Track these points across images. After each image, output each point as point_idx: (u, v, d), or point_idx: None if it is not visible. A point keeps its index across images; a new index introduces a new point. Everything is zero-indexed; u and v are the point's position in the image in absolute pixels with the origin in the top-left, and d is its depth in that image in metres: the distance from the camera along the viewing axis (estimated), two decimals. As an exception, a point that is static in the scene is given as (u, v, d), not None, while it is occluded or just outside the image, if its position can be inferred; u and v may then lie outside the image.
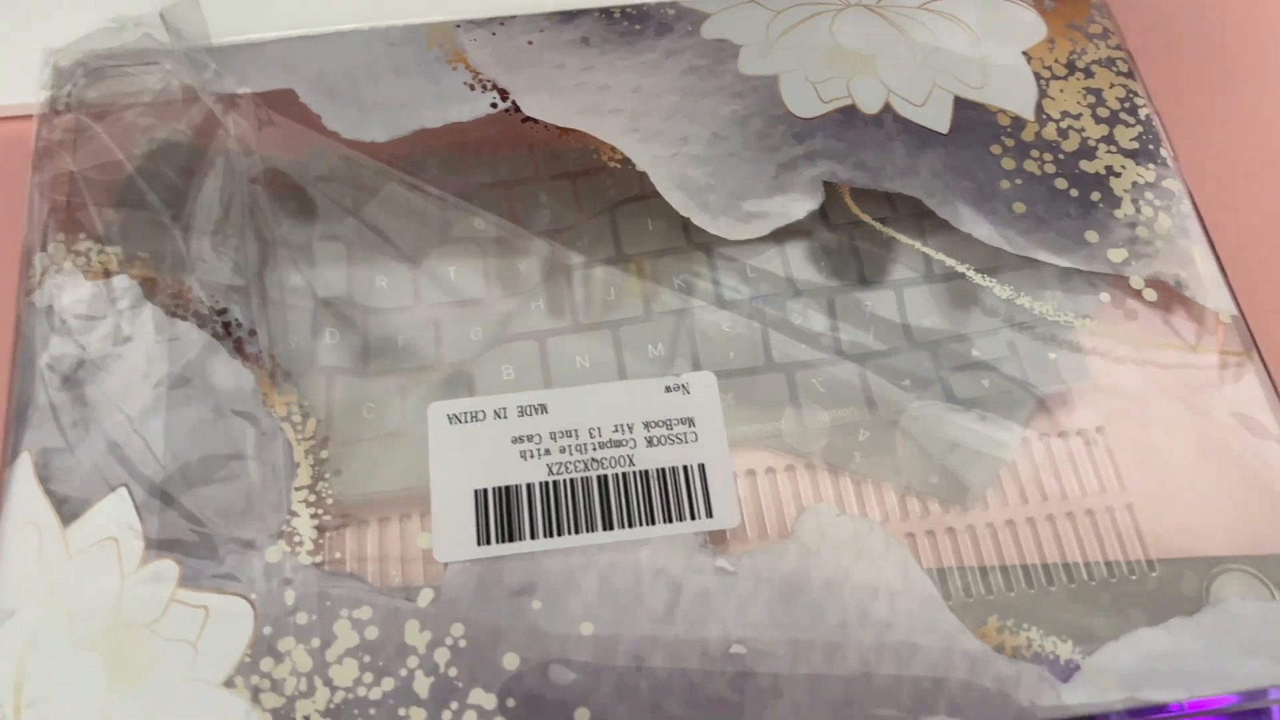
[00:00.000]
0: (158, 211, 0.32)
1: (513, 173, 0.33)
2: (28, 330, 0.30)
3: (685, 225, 0.32)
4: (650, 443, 0.29)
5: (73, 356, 0.29)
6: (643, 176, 0.33)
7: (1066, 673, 0.26)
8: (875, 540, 0.28)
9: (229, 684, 0.26)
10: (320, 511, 0.28)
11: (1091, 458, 0.30)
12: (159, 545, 0.27)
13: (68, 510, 0.27)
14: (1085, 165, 0.33)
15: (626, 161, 0.33)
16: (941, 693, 0.26)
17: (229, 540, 0.27)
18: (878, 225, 0.32)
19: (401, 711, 0.25)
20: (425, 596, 0.27)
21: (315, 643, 0.26)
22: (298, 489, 0.28)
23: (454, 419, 0.29)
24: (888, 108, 0.34)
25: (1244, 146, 0.35)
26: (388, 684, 0.26)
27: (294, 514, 0.28)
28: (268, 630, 0.26)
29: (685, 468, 0.28)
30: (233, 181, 0.32)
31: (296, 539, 0.27)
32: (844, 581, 0.27)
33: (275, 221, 0.32)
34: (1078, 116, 0.34)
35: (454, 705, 0.26)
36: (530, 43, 0.35)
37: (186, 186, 0.32)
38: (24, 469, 0.28)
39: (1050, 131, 0.34)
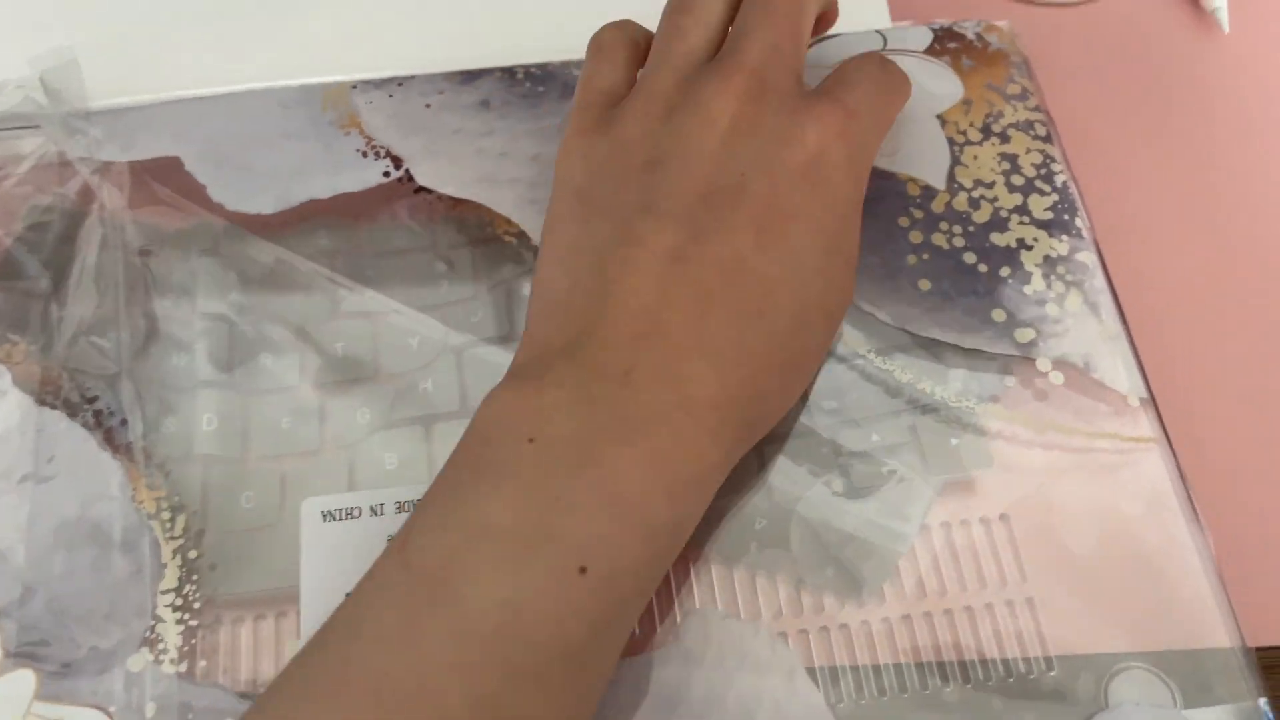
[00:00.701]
0: (34, 288, 0.30)
1: (406, 243, 0.32)
2: (-108, 417, 0.29)
3: (581, 303, 0.31)
4: (534, 539, 0.28)
5: (-64, 448, 0.28)
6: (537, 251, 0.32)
7: (954, 784, 0.26)
8: (760, 643, 0.27)
9: (84, 803, 0.25)
10: (187, 616, 0.27)
11: (993, 547, 0.29)
12: (16, 655, 0.26)
13: (-77, 615, 0.26)
14: (996, 237, 0.32)
15: (523, 235, 0.32)
16: (825, 806, 0.25)
17: (90, 649, 0.26)
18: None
19: (263, 832, 0.25)
20: (293, 707, 0.26)
21: (176, 758, 0.25)
22: (164, 592, 0.27)
23: (328, 516, 0.28)
24: (795, 176, 0.33)
25: (1165, 216, 0.34)
26: (250, 802, 0.25)
27: (159, 619, 0.27)
28: (126, 745, 0.25)
29: (568, 566, 0.28)
30: (109, 256, 0.31)
31: (160, 646, 0.26)
32: (727, 687, 0.26)
33: (156, 298, 0.31)
34: (991, 185, 0.33)
35: (317, 825, 0.25)
36: (428, 105, 0.34)
37: (65, 261, 0.31)
38: (-120, 570, 0.27)
39: (961, 201, 0.33)
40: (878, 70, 0.29)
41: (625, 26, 0.30)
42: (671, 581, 0.28)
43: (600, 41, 0.30)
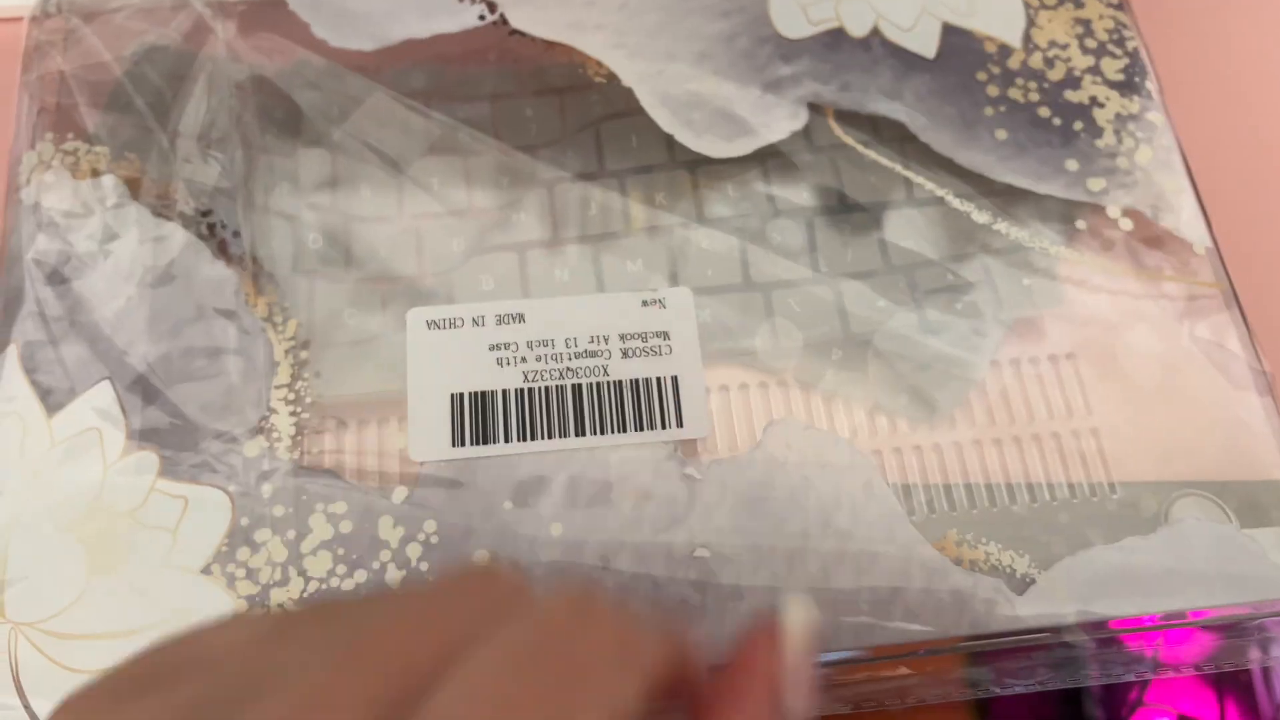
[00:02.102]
0: (145, 115, 0.32)
1: (498, 87, 0.33)
2: (15, 227, 0.30)
3: (669, 143, 0.32)
4: (625, 354, 0.29)
5: (59, 253, 0.30)
6: (628, 93, 0.33)
7: (1022, 586, 0.27)
8: (841, 453, 0.28)
9: (206, 571, 0.26)
10: (299, 410, 0.28)
11: (1060, 382, 0.30)
12: (140, 436, 0.28)
13: (52, 401, 0.28)
14: (1070, 95, 0.33)
15: (612, 77, 0.33)
16: (898, 601, 0.27)
17: (209, 434, 0.28)
18: (860, 148, 0.32)
19: (373, 602, 0.26)
20: (399, 494, 0.27)
21: (291, 535, 0.27)
22: (277, 387, 0.29)
23: (432, 325, 0.29)
24: (875, 31, 0.34)
25: (1230, 83, 0.35)
26: (360, 576, 0.27)
27: (273, 411, 0.28)
28: (245, 521, 0.27)
29: (659, 379, 0.29)
30: (220, 88, 0.32)
31: (275, 435, 0.28)
32: (808, 492, 0.28)
33: (261, 129, 0.32)
34: (1065, 46, 0.34)
35: (424, 598, 0.26)
36: (521, -45, 0.35)
37: (174, 91, 0.32)
38: (10, 360, 0.29)
39: (1036, 60, 0.34)
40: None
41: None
42: (754, 399, 0.29)
43: None
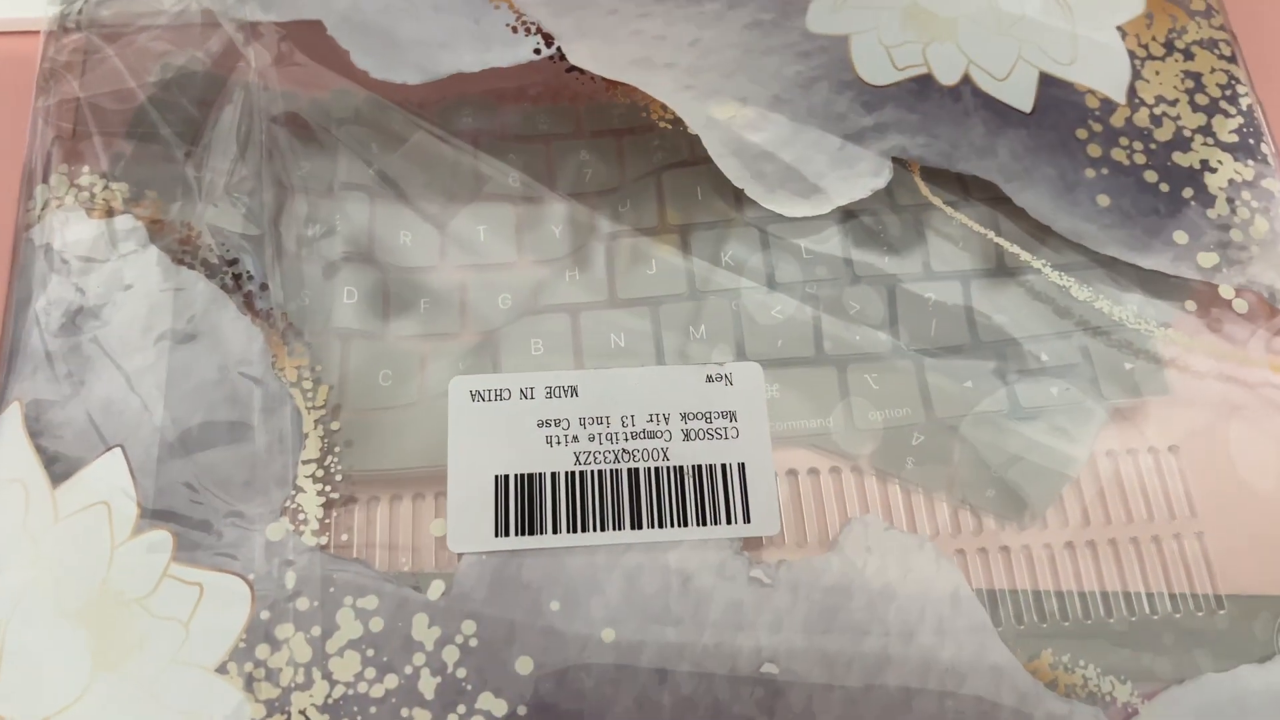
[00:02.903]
0: (169, 146, 0.29)
1: (553, 127, 0.31)
2: (25, 268, 0.28)
3: (738, 196, 0.29)
4: (687, 436, 0.27)
5: (70, 301, 0.27)
6: (694, 140, 0.30)
7: (1123, 716, 0.24)
8: (926, 558, 0.26)
9: (221, 670, 0.24)
10: (328, 488, 0.26)
11: (1162, 479, 0.27)
12: (154, 514, 0.25)
13: (58, 469, 0.26)
14: (1178, 157, 0.30)
15: (678, 122, 0.30)
16: (986, 729, 0.24)
17: (229, 514, 0.25)
18: (948, 209, 0.30)
19: (405, 712, 0.24)
20: (436, 588, 0.25)
21: (316, 631, 0.24)
22: (305, 462, 0.26)
23: (477, 396, 0.27)
24: (967, 79, 0.31)
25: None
26: (391, 681, 0.24)
27: (299, 489, 0.26)
28: (265, 615, 0.24)
29: (724, 466, 0.26)
30: (250, 118, 0.29)
31: (301, 517, 0.25)
32: (889, 601, 0.25)
33: (294, 166, 0.29)
34: (1174, 103, 0.31)
35: (461, 709, 0.24)
36: (581, -16, 0.32)
37: (201, 120, 0.30)
38: (12, 420, 0.26)
39: (1142, 117, 0.31)
40: None
41: None
42: (826, 488, 0.27)
43: None
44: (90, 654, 0.24)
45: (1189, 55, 0.32)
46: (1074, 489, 0.27)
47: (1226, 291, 0.29)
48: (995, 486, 0.27)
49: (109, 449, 0.26)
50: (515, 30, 0.31)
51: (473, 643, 0.24)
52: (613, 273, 0.29)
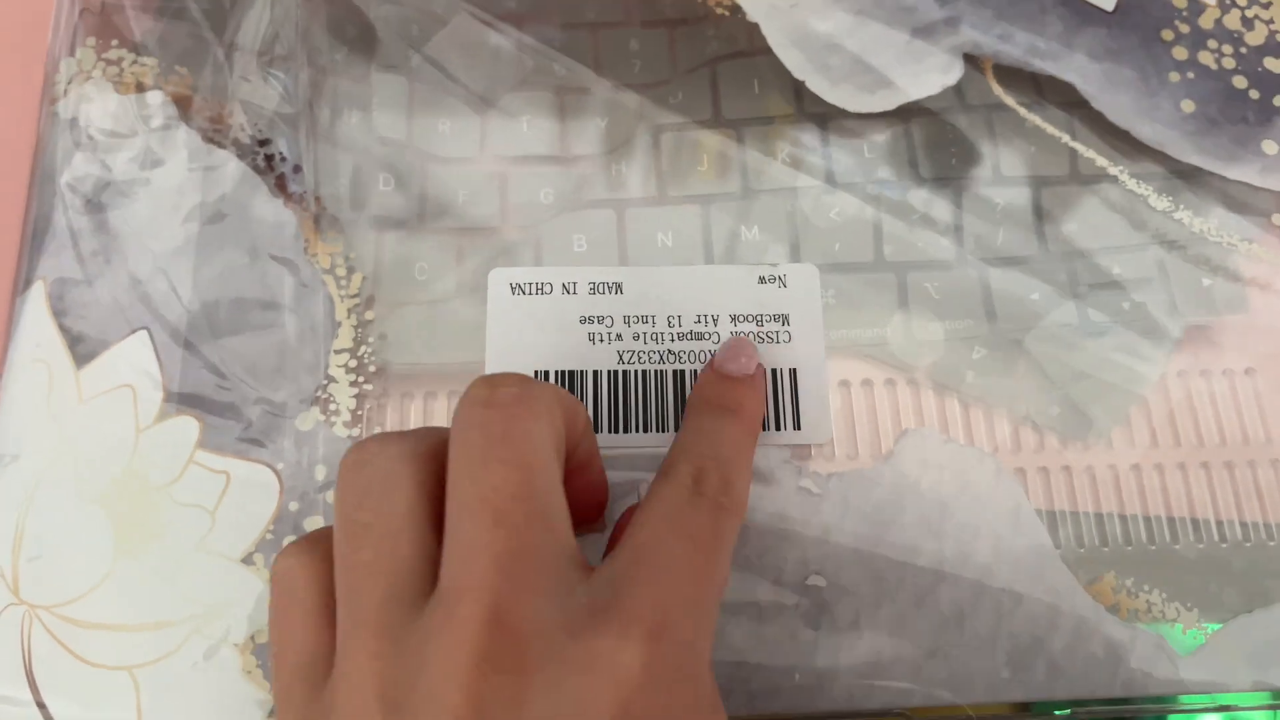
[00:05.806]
0: (200, 22, 0.28)
1: (601, 14, 0.29)
2: (49, 143, 0.27)
3: (798, 90, 0.28)
4: (737, 338, 0.25)
5: (97, 177, 0.26)
6: (753, 29, 0.28)
7: (1188, 645, 0.23)
8: (986, 473, 0.24)
9: (247, 561, 0.23)
10: (361, 379, 0.25)
11: (1237, 403, 0.26)
12: (179, 399, 0.24)
13: (82, 350, 0.25)
14: (1270, 63, 0.28)
15: (736, 9, 0.28)
16: (1041, 652, 0.23)
17: (257, 401, 0.24)
18: (1021, 111, 0.28)
19: (435, 610, 0.23)
20: (470, 486, 0.24)
21: (345, 525, 0.23)
22: (337, 351, 0.25)
23: (517, 289, 0.25)
24: (1046, -26, 0.29)
25: None
26: (422, 578, 0.23)
27: (331, 379, 0.25)
28: (294, 506, 0.23)
29: (774, 371, 0.25)
30: (285, -5, 0.28)
31: (332, 407, 0.24)
32: (945, 517, 0.24)
33: (330, 48, 0.28)
34: (1267, 5, 0.29)
35: (494, 609, 0.23)
36: None
37: (235, -4, 0.28)
38: (37, 299, 0.25)
39: (1233, 19, 0.29)
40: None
41: (309, 549, 0.19)
42: (880, 399, 0.25)
43: (281, 583, 0.19)
44: (112, 538, 0.23)
45: (1287, -45, 0.30)
46: (1142, 410, 0.26)
47: (1317, 206, 0.27)
48: (1060, 404, 0.25)
49: (134, 331, 0.25)
50: (565, -91, 0.29)
51: (507, 542, 0.23)
52: (661, 168, 0.27)
